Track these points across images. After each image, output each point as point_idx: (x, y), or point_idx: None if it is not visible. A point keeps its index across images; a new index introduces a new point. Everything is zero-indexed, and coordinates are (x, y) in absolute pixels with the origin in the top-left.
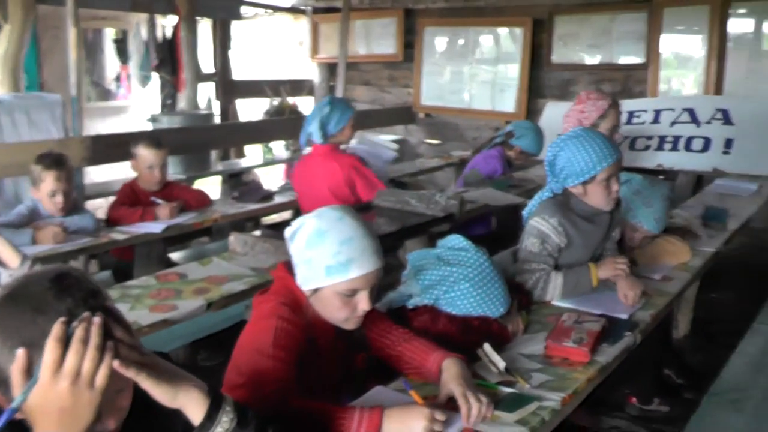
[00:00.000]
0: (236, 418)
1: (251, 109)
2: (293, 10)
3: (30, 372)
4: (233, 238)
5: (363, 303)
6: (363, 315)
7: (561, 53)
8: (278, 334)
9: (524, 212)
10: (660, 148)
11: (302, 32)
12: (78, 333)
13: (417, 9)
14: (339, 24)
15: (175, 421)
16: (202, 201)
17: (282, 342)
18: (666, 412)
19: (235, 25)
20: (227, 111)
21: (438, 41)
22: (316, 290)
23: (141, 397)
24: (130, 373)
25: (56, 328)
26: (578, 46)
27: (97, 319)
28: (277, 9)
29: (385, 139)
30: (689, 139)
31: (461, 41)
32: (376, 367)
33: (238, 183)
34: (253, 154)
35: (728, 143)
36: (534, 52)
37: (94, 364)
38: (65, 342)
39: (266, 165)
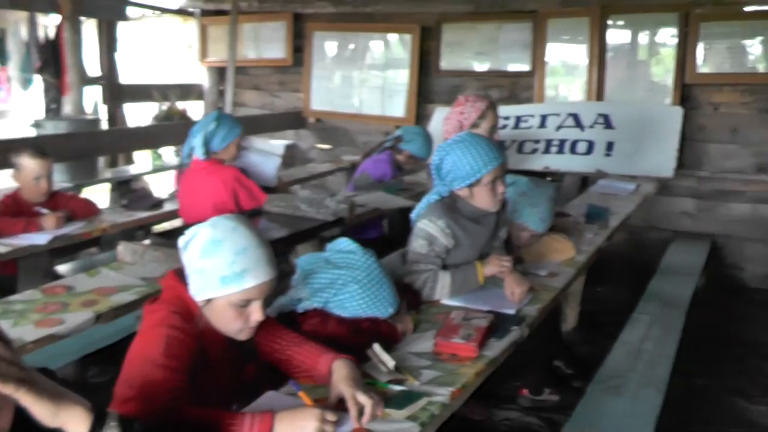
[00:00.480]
0: None
1: (140, 114)
2: (181, 12)
3: None
4: (122, 248)
5: (256, 313)
6: (256, 326)
7: (449, 60)
8: (169, 342)
9: (412, 215)
10: (547, 151)
11: (191, 35)
12: None
13: (306, 13)
14: (227, 27)
15: None
16: (90, 210)
17: (173, 351)
18: (556, 401)
19: (121, 26)
20: (115, 116)
21: (328, 46)
22: (209, 300)
23: (22, 417)
24: (8, 390)
25: None
26: (466, 54)
27: None
28: (164, 11)
29: (274, 143)
30: (574, 143)
31: (351, 46)
32: (268, 377)
33: (128, 191)
34: (142, 160)
35: (609, 146)
36: (423, 59)
37: None
38: None
39: (156, 172)
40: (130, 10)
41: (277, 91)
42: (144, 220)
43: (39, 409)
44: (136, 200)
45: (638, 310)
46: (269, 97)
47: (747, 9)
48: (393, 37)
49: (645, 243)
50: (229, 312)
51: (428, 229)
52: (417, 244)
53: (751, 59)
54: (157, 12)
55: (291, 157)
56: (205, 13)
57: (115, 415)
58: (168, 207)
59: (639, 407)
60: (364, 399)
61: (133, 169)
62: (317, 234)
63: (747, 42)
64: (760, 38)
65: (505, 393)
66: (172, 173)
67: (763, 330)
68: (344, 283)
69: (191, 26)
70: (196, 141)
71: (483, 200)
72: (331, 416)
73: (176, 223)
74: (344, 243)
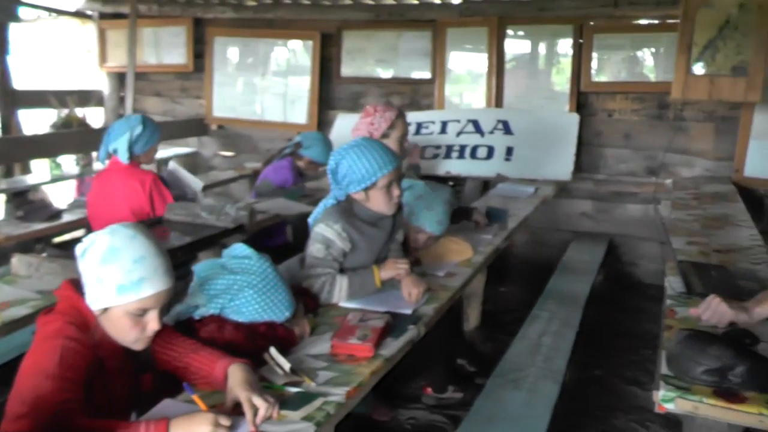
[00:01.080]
0: None
1: (36, 121)
2: (79, 14)
3: None
4: (16, 261)
5: (153, 323)
6: (152, 335)
7: (350, 67)
8: (64, 353)
9: (310, 219)
10: (448, 156)
11: (90, 39)
12: None
13: (207, 18)
14: (127, 31)
15: None
16: None
17: (68, 362)
18: (460, 398)
19: (14, 28)
20: (9, 123)
21: (229, 52)
22: (105, 310)
23: None
24: None
25: None
26: (367, 61)
27: None
28: (60, 12)
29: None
30: (474, 148)
31: (252, 52)
32: (166, 386)
33: (24, 201)
34: (40, 170)
35: (509, 151)
36: (324, 65)
37: None
38: None
39: (54, 181)
40: (23, 11)
41: (178, 98)
42: (42, 231)
43: None
44: (33, 211)
45: (537, 307)
46: (171, 103)
47: (637, 22)
48: (295, 43)
49: (547, 243)
50: (126, 321)
51: (325, 233)
52: (314, 249)
53: (642, 69)
54: (53, 14)
55: (194, 165)
56: (103, 16)
57: None
58: (67, 217)
59: (536, 398)
60: (259, 402)
61: (30, 179)
62: (218, 242)
63: (638, 53)
64: (649, 49)
65: (409, 393)
66: (73, 182)
67: (655, 322)
68: (240, 288)
69: (90, 29)
70: (119, 143)
71: (379, 203)
72: (224, 420)
73: (77, 234)
74: (240, 249)
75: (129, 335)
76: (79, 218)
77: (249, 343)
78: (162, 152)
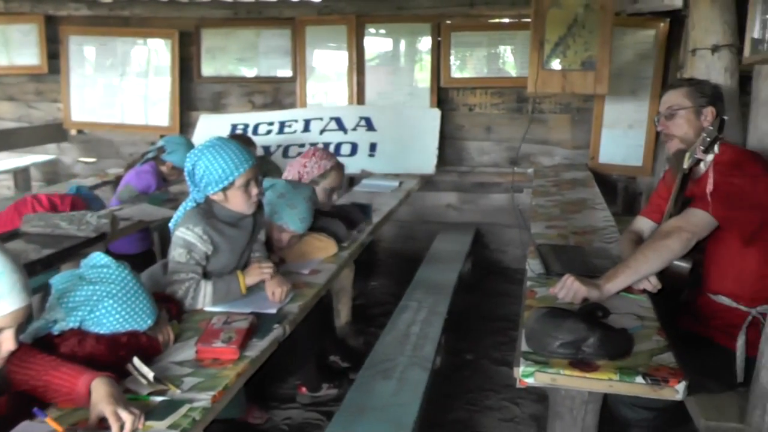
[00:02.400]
0: None
1: None
2: None
3: None
4: None
5: (8, 342)
6: (7, 356)
7: (210, 66)
8: None
9: (171, 223)
10: None
11: None
12: None
13: (59, 16)
14: None
15: None
16: None
17: None
18: (335, 394)
19: None
20: None
21: (86, 52)
22: None
23: None
24: None
25: None
26: (227, 60)
27: None
28: None
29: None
30: (338, 145)
31: (110, 52)
32: (24, 407)
33: None
34: None
35: (372, 147)
36: (184, 65)
37: None
38: None
39: None
40: None
41: (33, 102)
42: None
43: None
44: None
45: (405, 298)
46: (26, 108)
47: (492, 21)
48: (153, 42)
49: (415, 236)
50: None
51: (186, 237)
52: (176, 253)
53: (499, 64)
54: None
55: (54, 173)
56: None
57: None
58: None
59: (405, 387)
60: (124, 414)
61: None
62: (79, 252)
63: (495, 50)
64: (506, 46)
65: (284, 393)
66: None
67: (521, 305)
68: (99, 298)
69: None
70: None
71: (238, 203)
72: None
73: None
74: (98, 258)
75: None
76: None
77: (111, 355)
78: (19, 160)
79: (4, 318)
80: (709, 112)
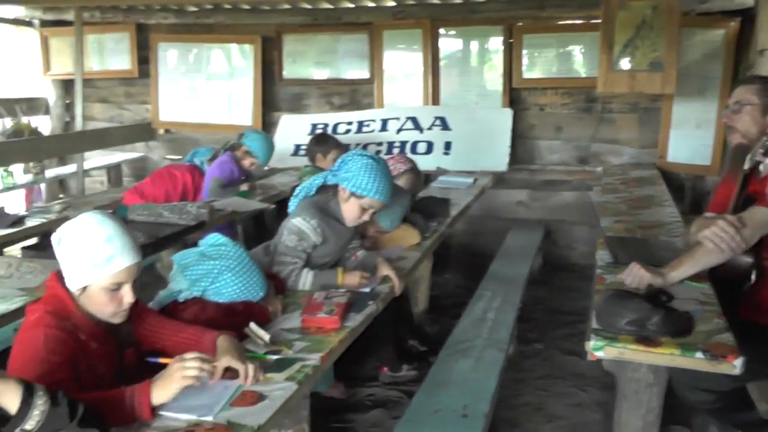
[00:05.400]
0: (49, 400)
1: None
2: (18, 22)
3: None
4: None
5: (128, 296)
6: (128, 308)
7: (291, 69)
8: (48, 339)
9: (290, 203)
10: (389, 152)
11: (31, 46)
12: None
13: (149, 24)
14: (71, 38)
15: None
16: None
17: (52, 346)
18: (414, 375)
19: None
20: None
21: (172, 56)
22: (84, 288)
23: None
24: None
25: None
26: (307, 63)
27: None
28: None
29: None
30: (414, 144)
31: (195, 57)
32: (146, 362)
33: None
34: None
35: (447, 145)
36: (266, 68)
37: None
38: None
39: (7, 190)
40: None
41: (124, 103)
42: (4, 238)
43: None
44: None
45: (481, 288)
46: (117, 109)
47: (561, 23)
48: (236, 47)
49: (485, 232)
50: (103, 296)
51: (301, 226)
52: (288, 238)
53: (569, 65)
54: None
55: (143, 169)
56: (44, 24)
57: (41, 386)
58: (30, 223)
59: (483, 364)
60: (249, 363)
61: None
62: (180, 239)
63: (564, 50)
64: (575, 47)
65: (366, 373)
66: (23, 192)
67: (590, 299)
68: (219, 272)
69: (29, 36)
70: None
71: (349, 212)
72: (189, 355)
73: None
74: (215, 237)
75: (107, 309)
76: (41, 223)
77: (229, 320)
78: (111, 158)
79: (120, 273)
80: None
